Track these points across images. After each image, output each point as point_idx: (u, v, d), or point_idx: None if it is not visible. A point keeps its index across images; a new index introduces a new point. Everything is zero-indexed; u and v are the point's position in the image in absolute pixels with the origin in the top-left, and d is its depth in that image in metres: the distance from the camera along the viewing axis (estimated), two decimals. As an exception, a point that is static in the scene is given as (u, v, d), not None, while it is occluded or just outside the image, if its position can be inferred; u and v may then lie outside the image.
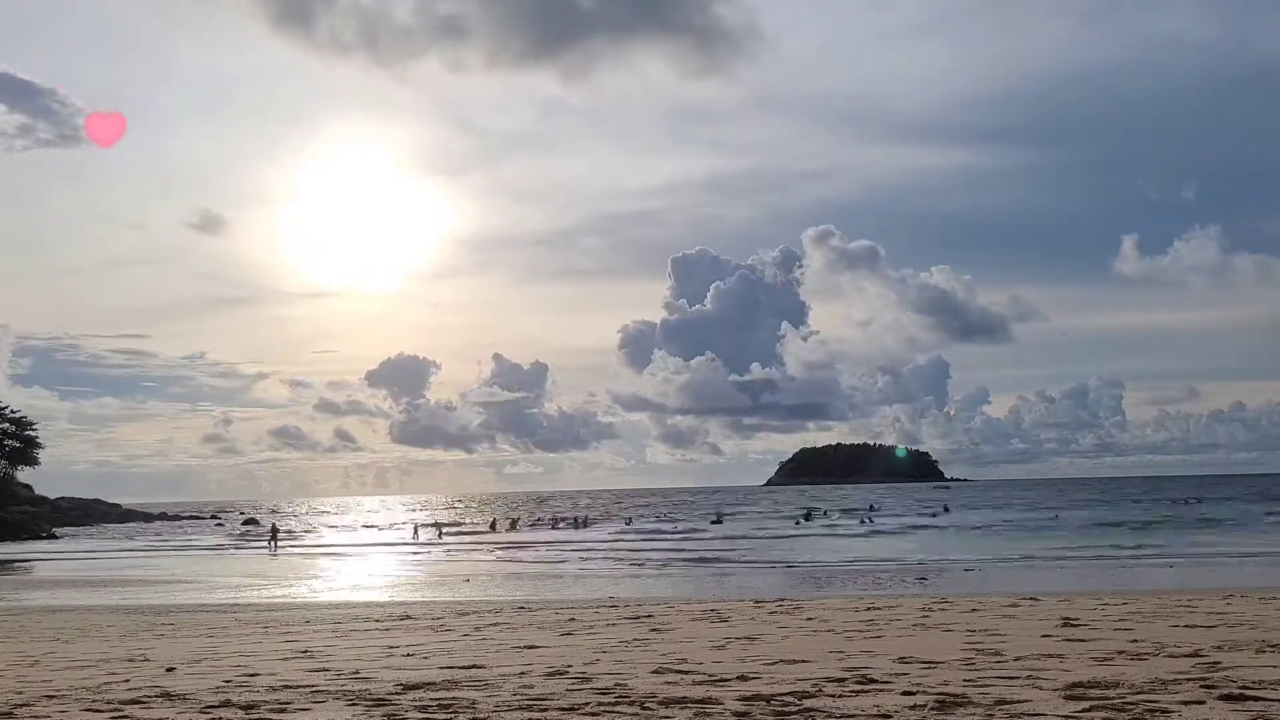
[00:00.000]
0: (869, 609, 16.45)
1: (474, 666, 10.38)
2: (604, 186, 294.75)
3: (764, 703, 7.74)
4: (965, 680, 8.53)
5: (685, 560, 40.47)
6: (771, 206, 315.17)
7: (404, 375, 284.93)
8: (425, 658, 11.42)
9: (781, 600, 19.52)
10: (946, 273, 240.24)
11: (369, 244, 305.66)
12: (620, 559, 41.80)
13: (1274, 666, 8.89)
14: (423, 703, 8.18)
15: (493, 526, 75.66)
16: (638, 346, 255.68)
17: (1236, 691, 7.60)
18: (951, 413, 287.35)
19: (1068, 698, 7.60)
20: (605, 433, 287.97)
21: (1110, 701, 7.37)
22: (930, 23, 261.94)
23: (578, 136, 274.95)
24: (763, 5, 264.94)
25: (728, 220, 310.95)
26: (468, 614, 18.39)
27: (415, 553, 50.46)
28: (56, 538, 76.02)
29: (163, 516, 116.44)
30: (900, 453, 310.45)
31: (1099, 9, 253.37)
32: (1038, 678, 8.56)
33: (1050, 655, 9.99)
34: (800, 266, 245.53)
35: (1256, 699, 7.36)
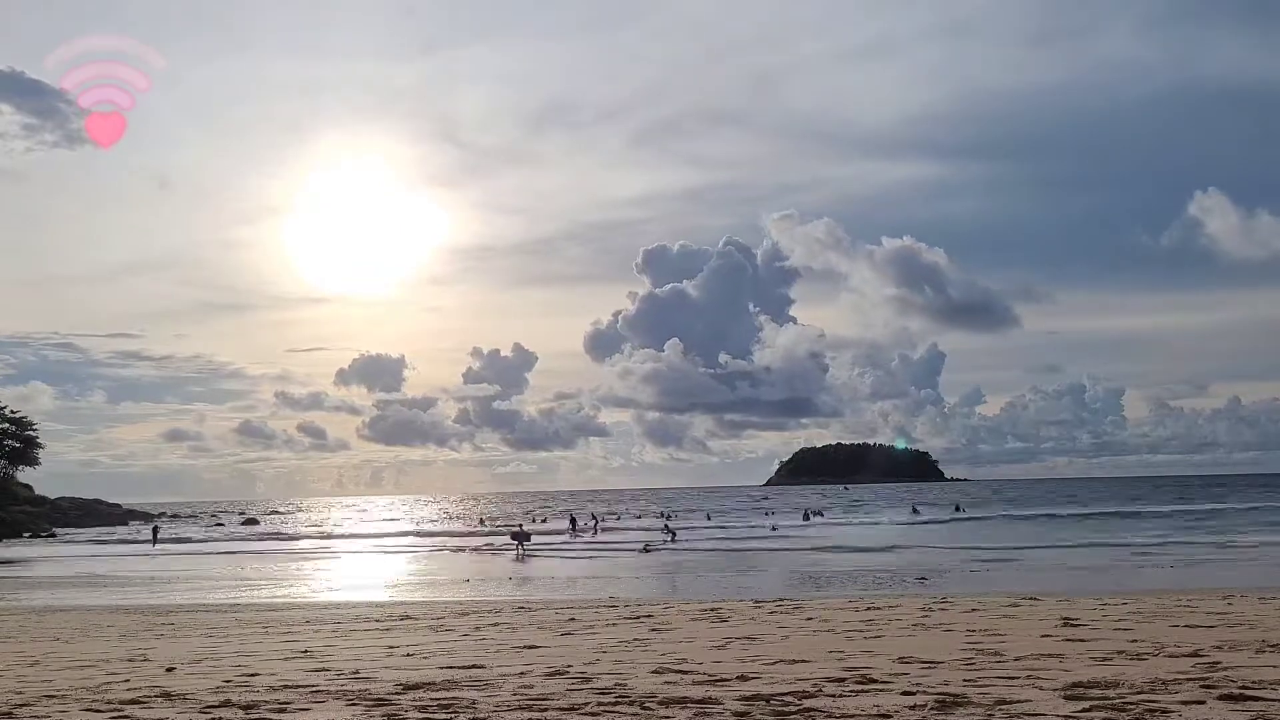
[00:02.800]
0: (869, 609, 16.45)
1: (474, 666, 10.37)
2: (584, 198, 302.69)
3: (764, 703, 7.74)
4: (965, 680, 8.53)
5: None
6: (748, 216, 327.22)
7: (399, 377, 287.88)
8: (425, 658, 11.42)
9: (781, 600, 19.52)
10: (930, 250, 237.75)
11: (363, 252, 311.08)
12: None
13: (1274, 666, 8.89)
14: (423, 703, 8.18)
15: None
16: (620, 344, 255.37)
17: (1236, 691, 7.59)
18: (948, 409, 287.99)
19: (1068, 698, 7.60)
20: (598, 432, 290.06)
21: (1110, 701, 7.36)
22: (880, 46, 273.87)
23: (559, 151, 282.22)
24: (724, 26, 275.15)
25: (705, 229, 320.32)
26: (468, 614, 18.40)
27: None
28: (56, 537, 76.03)
29: (162, 516, 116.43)
30: (900, 445, 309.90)
31: (1042, 35, 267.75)
32: (1038, 678, 8.55)
33: (1050, 655, 9.98)
34: (773, 246, 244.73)
35: (1256, 699, 7.35)
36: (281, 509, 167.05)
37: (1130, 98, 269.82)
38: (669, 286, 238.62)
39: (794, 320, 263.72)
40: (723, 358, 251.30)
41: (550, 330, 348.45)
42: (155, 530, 74.19)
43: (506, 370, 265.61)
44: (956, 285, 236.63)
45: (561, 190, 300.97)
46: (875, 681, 8.62)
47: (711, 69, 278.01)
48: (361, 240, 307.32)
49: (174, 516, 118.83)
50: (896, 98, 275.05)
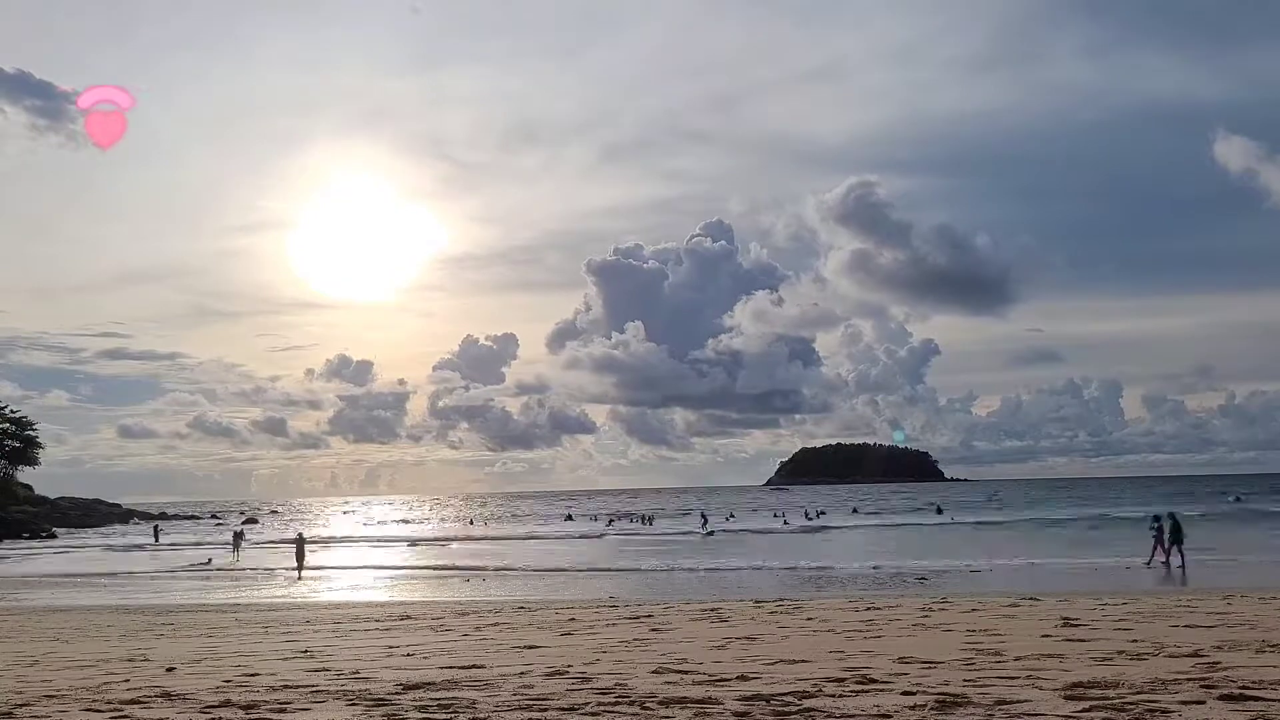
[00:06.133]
0: (869, 609, 16.45)
1: (474, 666, 10.37)
2: (561, 209, 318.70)
3: (764, 703, 7.74)
4: (965, 680, 8.53)
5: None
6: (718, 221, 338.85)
7: (391, 379, 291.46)
8: (425, 658, 11.42)
9: (781, 600, 19.52)
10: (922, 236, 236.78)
11: (352, 260, 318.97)
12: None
13: (1274, 666, 8.89)
14: (423, 703, 8.18)
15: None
16: (601, 342, 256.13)
17: (1236, 691, 7.59)
18: (944, 408, 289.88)
19: (1068, 698, 7.59)
20: (589, 430, 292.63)
21: (1110, 701, 7.36)
22: (832, 70, 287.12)
23: (534, 166, 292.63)
24: (686, 51, 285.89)
25: (680, 238, 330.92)
26: (468, 614, 18.40)
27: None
28: (56, 537, 75.98)
29: (163, 516, 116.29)
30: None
31: (987, 60, 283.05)
32: (1038, 678, 8.55)
33: (1050, 655, 9.98)
34: (751, 240, 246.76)
35: (1256, 699, 7.35)
36: (280, 508, 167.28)
37: (1076, 119, 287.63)
38: (651, 283, 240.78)
39: (785, 316, 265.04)
40: (711, 355, 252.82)
41: (535, 332, 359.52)
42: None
43: (493, 372, 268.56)
44: (950, 270, 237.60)
45: (540, 202, 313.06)
46: (875, 681, 8.62)
47: (677, 90, 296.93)
48: (351, 248, 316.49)
49: (174, 517, 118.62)
50: (851, 118, 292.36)
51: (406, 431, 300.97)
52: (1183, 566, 29.51)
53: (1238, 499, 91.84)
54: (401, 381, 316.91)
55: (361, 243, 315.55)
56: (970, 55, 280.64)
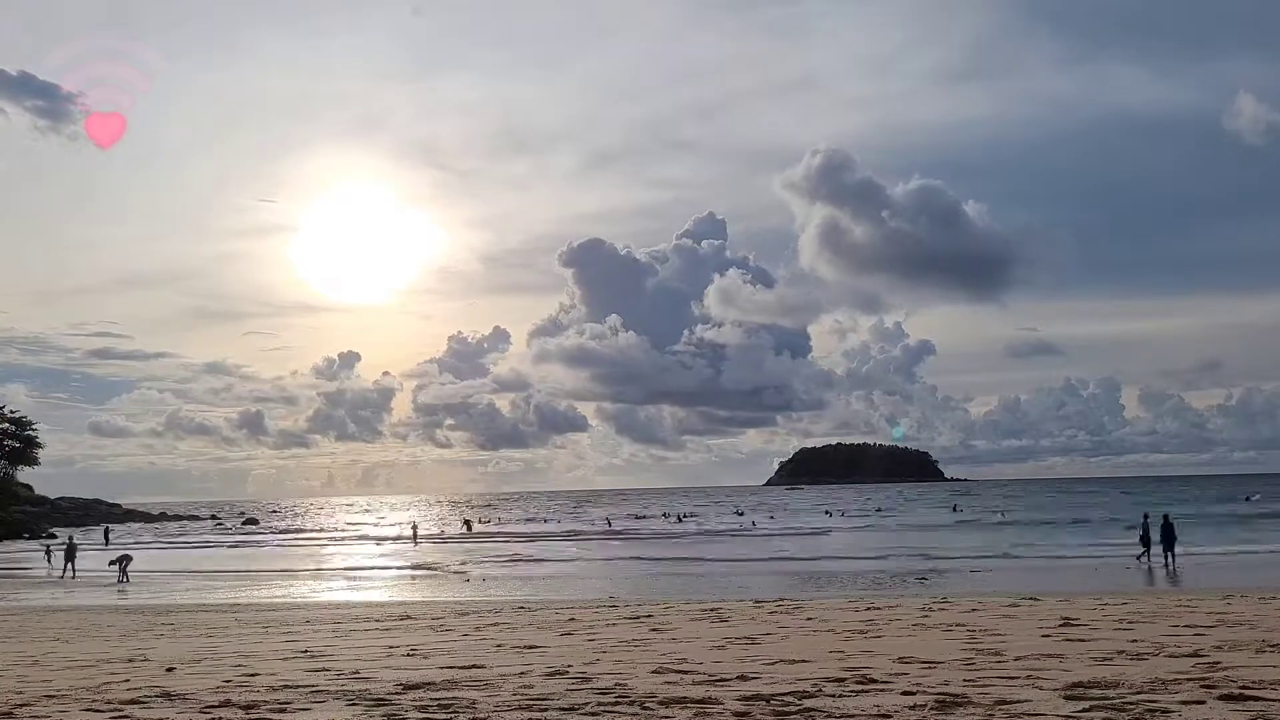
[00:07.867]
0: (869, 609, 16.45)
1: (474, 666, 10.37)
2: (550, 214, 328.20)
3: (764, 703, 7.74)
4: (965, 680, 8.53)
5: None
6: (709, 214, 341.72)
7: (386, 379, 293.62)
8: (425, 658, 11.42)
9: (781, 600, 19.52)
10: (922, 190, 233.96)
11: (352, 264, 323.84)
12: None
13: (1274, 666, 8.89)
14: (423, 703, 8.18)
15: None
16: (605, 346, 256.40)
17: (1236, 691, 7.59)
18: (944, 408, 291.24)
19: (1068, 698, 7.59)
20: (586, 430, 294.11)
21: (1110, 701, 7.36)
22: (807, 80, 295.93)
23: (524, 172, 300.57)
24: (662, 58, 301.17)
25: (666, 243, 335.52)
26: (468, 614, 18.40)
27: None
28: (55, 537, 75.95)
29: (163, 516, 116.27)
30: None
31: (964, 72, 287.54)
32: (1038, 678, 8.55)
33: (1050, 655, 9.98)
34: (736, 238, 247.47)
35: (1256, 699, 7.35)
36: (282, 509, 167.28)
37: (1054, 127, 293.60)
38: (638, 276, 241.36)
39: (780, 313, 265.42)
40: (696, 349, 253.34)
41: (526, 333, 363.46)
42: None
43: (487, 372, 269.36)
44: (946, 268, 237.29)
45: (531, 206, 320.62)
46: (875, 681, 8.62)
47: (661, 99, 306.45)
48: (348, 252, 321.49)
49: (175, 517, 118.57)
50: (830, 127, 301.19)
51: (402, 430, 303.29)
52: None
53: (1247, 499, 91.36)
54: (386, 374, 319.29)
55: (358, 247, 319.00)
56: (947, 66, 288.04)
